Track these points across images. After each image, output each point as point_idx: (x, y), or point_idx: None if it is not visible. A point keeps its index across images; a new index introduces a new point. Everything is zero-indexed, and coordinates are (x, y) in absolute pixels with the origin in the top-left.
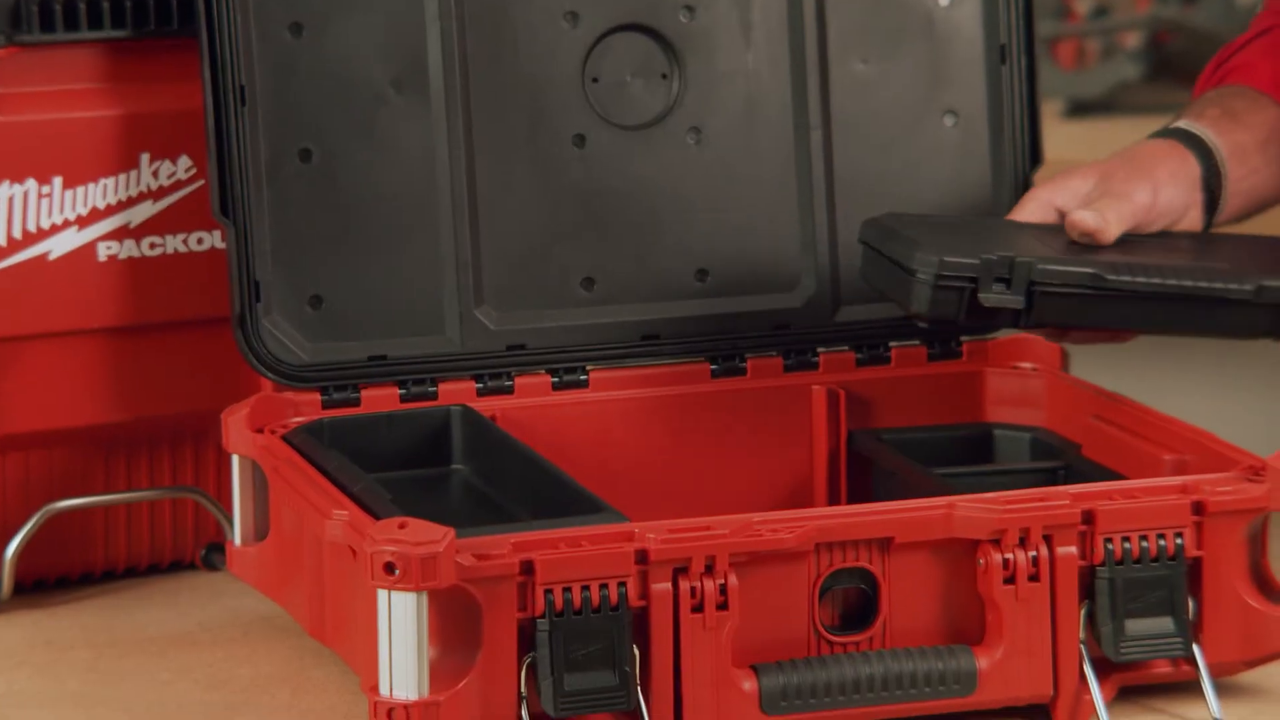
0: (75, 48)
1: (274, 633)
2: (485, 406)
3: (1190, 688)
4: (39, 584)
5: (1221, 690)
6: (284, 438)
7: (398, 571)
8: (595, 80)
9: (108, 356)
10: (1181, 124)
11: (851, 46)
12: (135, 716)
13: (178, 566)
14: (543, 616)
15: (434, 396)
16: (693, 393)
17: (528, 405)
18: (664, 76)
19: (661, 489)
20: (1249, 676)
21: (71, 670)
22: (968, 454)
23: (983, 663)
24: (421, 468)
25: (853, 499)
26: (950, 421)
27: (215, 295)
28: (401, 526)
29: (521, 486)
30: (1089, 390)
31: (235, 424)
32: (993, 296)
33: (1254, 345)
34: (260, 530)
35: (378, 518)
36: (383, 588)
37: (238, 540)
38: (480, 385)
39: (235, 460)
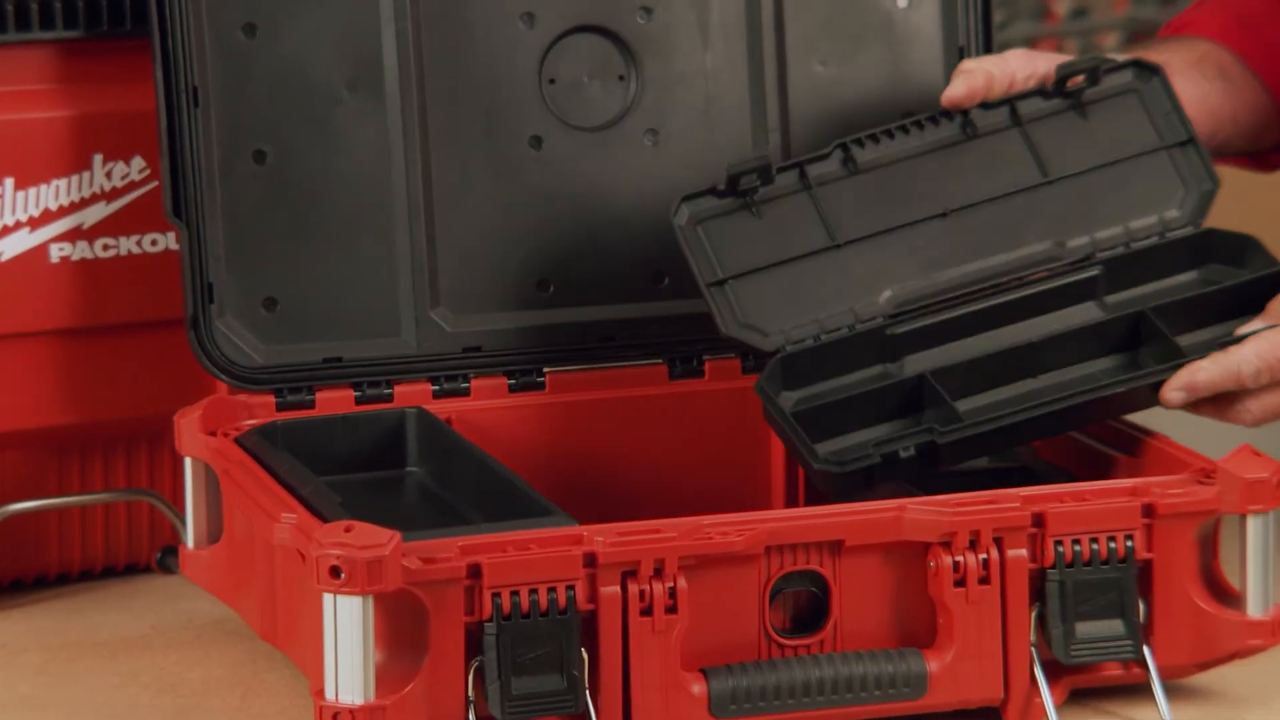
0: (27, 48)
1: (227, 636)
2: (441, 409)
3: (1141, 690)
4: None
5: (1172, 693)
6: (236, 440)
7: (343, 575)
8: (552, 81)
9: (61, 358)
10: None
11: (810, 48)
12: None
13: (133, 570)
14: (490, 620)
15: (389, 399)
16: (650, 395)
17: (484, 407)
18: (621, 78)
19: (619, 492)
20: (1200, 679)
21: (22, 674)
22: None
23: (933, 665)
24: (376, 470)
25: (811, 502)
26: None
27: (169, 297)
28: (347, 530)
29: (474, 489)
30: None
31: (188, 426)
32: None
33: None
34: (213, 533)
35: (326, 521)
36: (328, 591)
37: (190, 543)
38: (436, 387)
39: (188, 463)
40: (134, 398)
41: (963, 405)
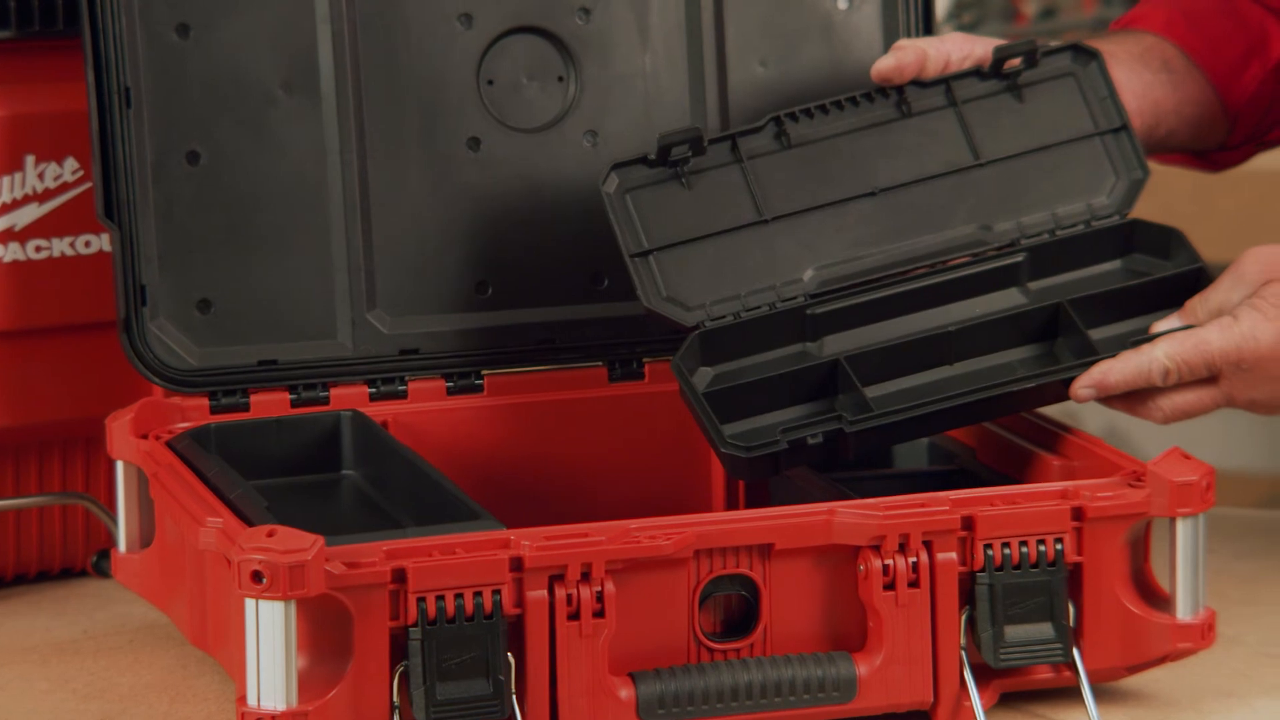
0: None
1: (159, 641)
2: (378, 411)
3: (1072, 693)
4: None
5: (1103, 695)
6: (168, 443)
7: (265, 580)
8: (490, 82)
9: None
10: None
11: (750, 49)
12: None
13: (69, 573)
14: (415, 625)
15: (325, 401)
16: (590, 397)
17: (422, 410)
18: (560, 79)
19: (558, 495)
20: (1131, 682)
21: None
22: (866, 458)
23: (862, 669)
24: (312, 473)
25: (751, 504)
26: None
27: (104, 299)
28: (270, 535)
29: (407, 493)
30: None
31: (119, 429)
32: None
33: None
34: (145, 537)
35: (252, 525)
36: (250, 597)
37: (123, 547)
38: (373, 390)
39: (119, 466)
40: (69, 400)
41: (874, 392)
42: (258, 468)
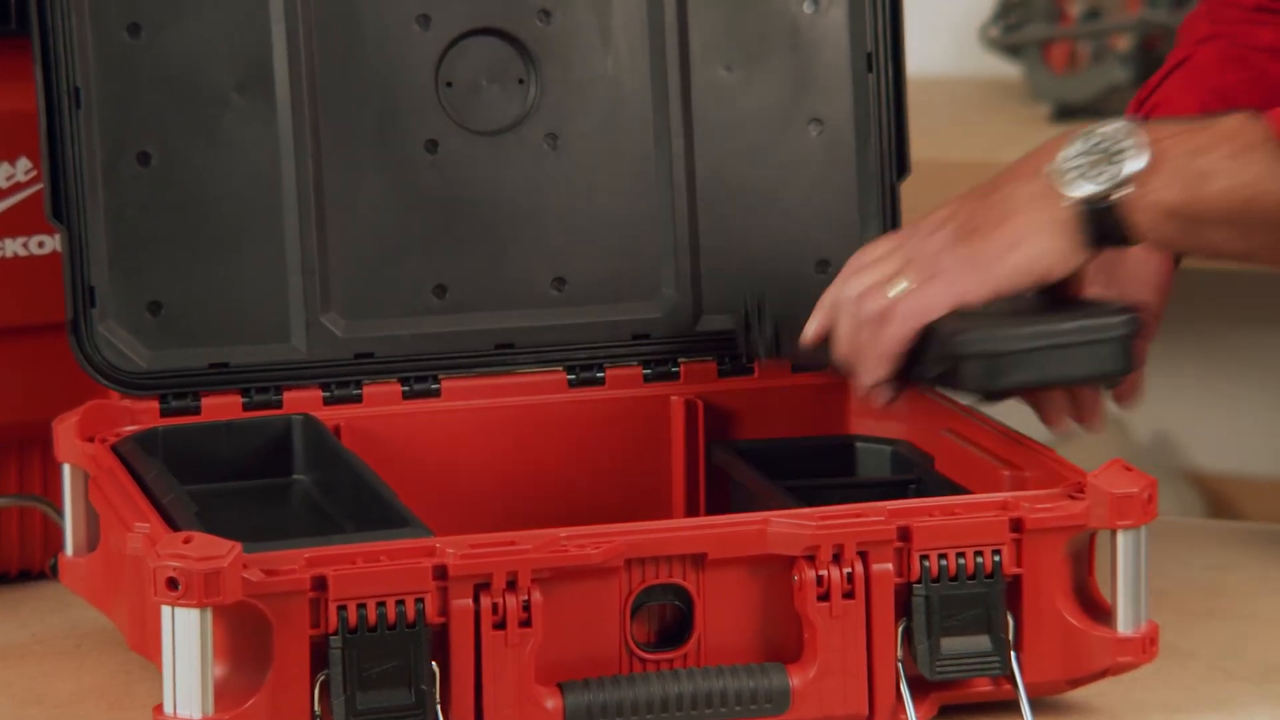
0: None
1: (106, 645)
2: (332, 415)
3: (1012, 706)
4: None
5: (1044, 709)
6: (113, 447)
7: (180, 587)
8: (449, 85)
9: None
10: None
11: (714, 53)
12: None
13: (26, 576)
14: (335, 634)
15: (278, 405)
16: (549, 403)
17: (377, 414)
18: (521, 81)
19: (515, 502)
20: (1073, 696)
21: None
22: (829, 466)
23: (796, 681)
24: (263, 478)
25: (712, 512)
26: (814, 433)
27: (58, 300)
28: (186, 541)
29: (350, 499)
30: (946, 404)
31: (65, 432)
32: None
33: None
34: (91, 541)
35: (177, 530)
36: (166, 603)
37: (70, 550)
38: (327, 394)
39: (65, 469)
40: (25, 402)
41: None
42: (207, 472)
